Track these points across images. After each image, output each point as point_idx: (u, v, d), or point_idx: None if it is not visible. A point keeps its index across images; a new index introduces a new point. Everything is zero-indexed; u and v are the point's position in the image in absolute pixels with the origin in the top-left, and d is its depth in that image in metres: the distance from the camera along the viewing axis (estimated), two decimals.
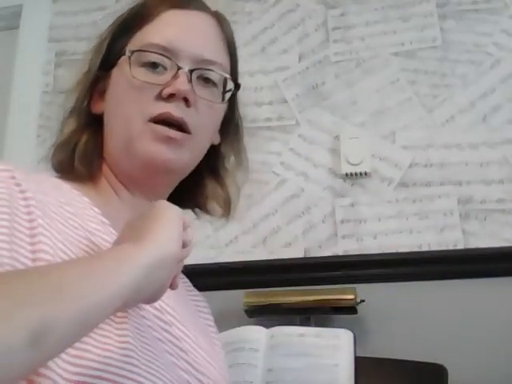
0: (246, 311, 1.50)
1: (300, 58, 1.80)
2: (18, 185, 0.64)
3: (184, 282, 0.95)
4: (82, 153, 0.79)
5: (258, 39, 1.84)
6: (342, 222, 1.62)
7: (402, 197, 1.61)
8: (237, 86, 0.86)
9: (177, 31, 0.79)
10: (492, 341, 1.41)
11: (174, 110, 0.76)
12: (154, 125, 0.75)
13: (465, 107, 1.65)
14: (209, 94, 0.80)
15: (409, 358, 1.32)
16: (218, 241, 1.68)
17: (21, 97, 1.95)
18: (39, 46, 2.01)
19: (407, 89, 1.70)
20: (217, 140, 0.87)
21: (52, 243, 0.61)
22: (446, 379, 1.28)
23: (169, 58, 0.77)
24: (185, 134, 0.76)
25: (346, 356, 1.31)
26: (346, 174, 1.64)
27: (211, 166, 0.87)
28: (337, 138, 1.69)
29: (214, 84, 0.81)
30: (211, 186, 0.89)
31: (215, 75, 0.81)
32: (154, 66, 0.78)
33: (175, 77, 0.76)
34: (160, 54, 0.77)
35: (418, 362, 1.31)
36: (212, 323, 0.94)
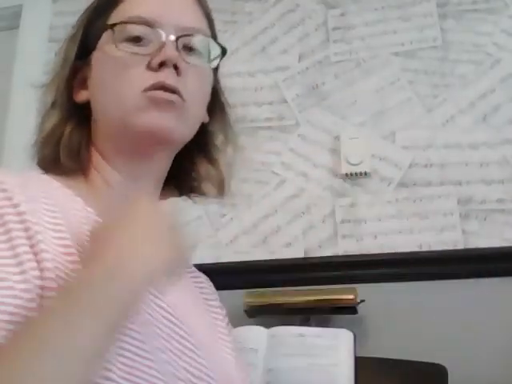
0: (245, 311, 1.50)
1: (300, 58, 1.80)
2: (9, 199, 0.62)
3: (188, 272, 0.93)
4: (67, 143, 0.77)
5: (258, 39, 1.84)
6: (342, 222, 1.62)
7: (402, 197, 1.61)
8: (223, 51, 0.83)
9: (155, 2, 0.78)
10: (492, 341, 1.41)
11: (167, 78, 0.74)
12: (152, 91, 0.74)
13: (465, 107, 1.65)
14: (197, 61, 0.79)
15: (409, 358, 1.32)
16: (218, 241, 1.68)
17: (21, 97, 1.95)
18: (39, 46, 2.01)
19: (407, 89, 1.70)
20: (206, 118, 0.85)
21: (52, 257, 0.61)
22: (446, 379, 1.28)
23: (152, 29, 0.76)
24: (179, 98, 0.75)
25: (346, 356, 1.31)
26: (346, 174, 1.64)
27: (201, 145, 0.86)
28: (337, 137, 1.69)
29: (200, 52, 0.80)
30: (203, 167, 0.87)
31: (200, 42, 0.80)
32: (137, 39, 0.76)
33: (162, 46, 0.75)
34: (143, 25, 0.76)
35: (418, 362, 1.31)
36: (221, 317, 0.92)
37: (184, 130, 0.77)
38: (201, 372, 0.72)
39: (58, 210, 0.67)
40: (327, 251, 1.60)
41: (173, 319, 0.72)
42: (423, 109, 1.67)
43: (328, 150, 1.69)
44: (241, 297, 1.49)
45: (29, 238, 0.61)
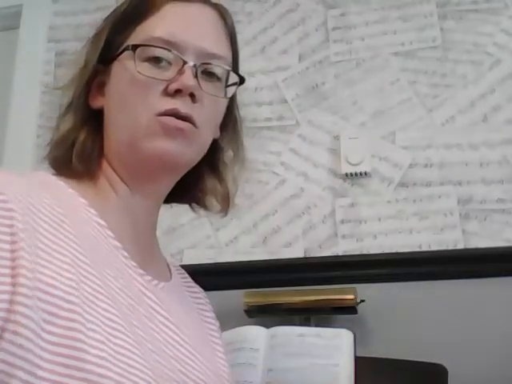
0: (246, 311, 1.50)
1: (300, 58, 1.80)
2: (9, 210, 0.60)
3: (183, 278, 0.94)
4: (80, 150, 0.78)
5: (258, 39, 1.84)
6: (342, 222, 1.62)
7: (402, 197, 1.61)
8: (241, 80, 0.84)
9: (180, 25, 0.78)
10: (492, 341, 1.41)
11: (181, 106, 0.75)
12: (162, 117, 0.74)
13: (465, 107, 1.65)
14: (213, 89, 0.79)
15: (409, 358, 1.32)
16: (218, 241, 1.68)
17: (21, 97, 1.95)
18: (39, 46, 2.01)
19: (407, 89, 1.70)
20: (217, 134, 0.86)
21: (31, 275, 0.58)
22: (446, 379, 1.28)
23: (173, 53, 0.76)
24: (192, 127, 0.75)
25: (346, 356, 1.31)
26: (346, 174, 1.64)
27: (210, 160, 0.86)
28: (337, 137, 1.69)
29: (218, 78, 0.80)
30: (210, 181, 0.87)
31: (219, 69, 0.80)
32: (157, 60, 0.76)
33: (180, 72, 0.75)
34: (164, 49, 0.76)
35: (418, 362, 1.31)
36: (215, 328, 0.93)
37: (192, 155, 0.78)
38: (198, 378, 0.73)
39: (63, 211, 0.67)
40: (327, 251, 1.60)
41: (170, 325, 0.73)
42: (423, 109, 1.67)
43: (328, 150, 1.69)
44: (241, 297, 1.49)
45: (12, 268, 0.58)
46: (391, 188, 1.62)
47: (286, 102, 1.77)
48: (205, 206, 0.90)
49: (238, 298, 1.49)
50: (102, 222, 0.72)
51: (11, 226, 0.59)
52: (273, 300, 1.49)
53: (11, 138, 1.91)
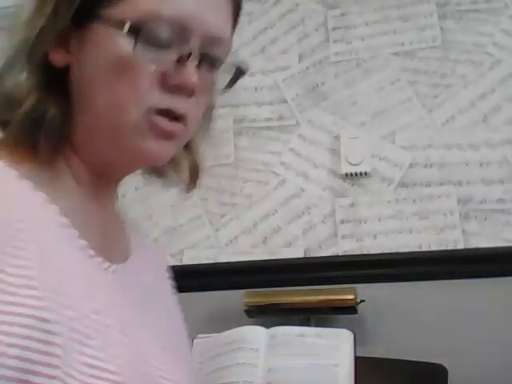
0: (246, 311, 1.50)
1: (300, 58, 1.80)
2: None
3: (139, 238, 0.83)
4: (49, 129, 0.64)
5: (258, 39, 1.84)
6: (342, 222, 1.62)
7: (402, 197, 1.61)
8: (242, 71, 0.72)
9: (190, 3, 0.65)
10: (492, 341, 1.41)
11: (178, 104, 0.65)
12: (156, 117, 0.64)
13: (465, 107, 1.65)
14: (211, 81, 0.69)
15: (409, 358, 1.32)
16: (218, 241, 1.68)
17: None
18: None
19: (407, 89, 1.70)
20: None
21: None
22: (446, 379, 1.29)
23: (178, 37, 0.64)
24: (181, 125, 0.67)
25: (346, 356, 1.31)
26: (346, 174, 1.64)
27: None
28: (337, 137, 1.69)
29: (216, 66, 0.69)
30: (180, 153, 0.75)
31: (221, 57, 0.69)
32: (157, 41, 0.63)
33: (182, 62, 0.64)
34: (169, 31, 0.63)
35: (418, 362, 1.31)
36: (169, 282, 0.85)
37: (176, 152, 0.70)
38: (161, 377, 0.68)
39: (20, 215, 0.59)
40: (327, 251, 1.60)
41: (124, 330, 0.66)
42: (423, 109, 1.67)
43: (328, 150, 1.69)
44: (241, 297, 1.49)
45: None
46: (391, 188, 1.62)
47: (285, 101, 1.77)
48: (160, 174, 0.78)
49: (238, 298, 1.49)
50: (65, 221, 0.64)
51: None
52: (273, 300, 1.49)
53: None
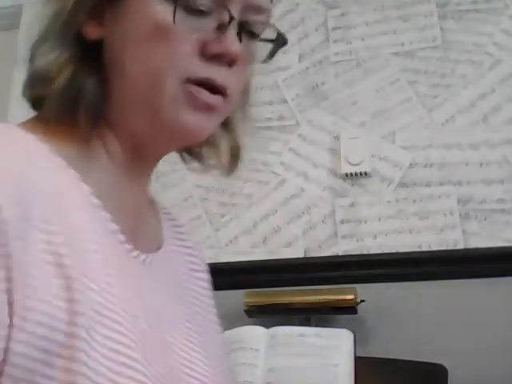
0: (246, 311, 1.50)
1: (300, 58, 1.80)
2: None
3: (175, 227, 0.80)
4: (89, 103, 0.62)
5: None
6: (342, 222, 1.62)
7: (402, 197, 1.61)
8: (283, 40, 0.69)
9: None
10: (492, 341, 1.41)
11: (218, 74, 0.62)
12: (194, 87, 0.61)
13: (465, 107, 1.65)
14: (250, 50, 0.66)
15: (409, 358, 1.32)
16: (218, 241, 1.68)
17: (21, 97, 1.95)
18: None
19: (407, 89, 1.70)
20: None
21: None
22: (446, 379, 1.29)
23: (218, 4, 0.61)
24: (221, 98, 0.63)
25: (346, 356, 1.31)
26: (346, 174, 1.64)
27: None
28: (337, 137, 1.69)
29: (257, 36, 0.66)
30: (218, 133, 0.71)
31: (262, 27, 0.66)
32: (196, 8, 0.61)
33: (223, 29, 0.61)
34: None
35: (418, 362, 1.31)
36: (206, 285, 0.82)
37: (215, 126, 0.66)
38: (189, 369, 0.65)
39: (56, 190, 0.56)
40: (327, 251, 1.60)
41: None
42: (423, 109, 1.67)
43: (328, 150, 1.69)
44: (241, 297, 1.49)
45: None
46: (391, 188, 1.62)
47: (285, 101, 1.77)
48: (200, 158, 0.74)
49: (238, 298, 1.49)
50: (97, 202, 0.61)
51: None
52: (273, 300, 1.49)
53: None
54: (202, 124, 0.62)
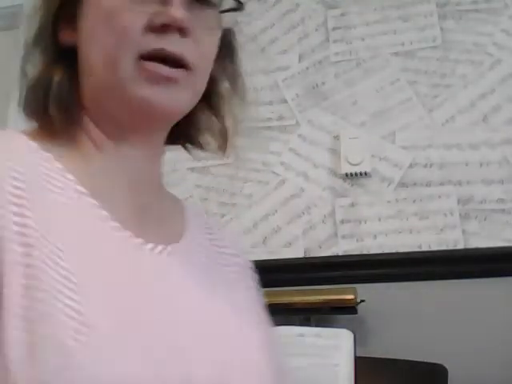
0: None
1: (300, 58, 1.80)
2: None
3: (203, 225, 0.79)
4: (56, 95, 0.65)
5: (258, 39, 1.84)
6: (342, 222, 1.62)
7: (402, 197, 1.61)
8: (239, 5, 0.70)
9: None
10: (492, 341, 1.41)
11: (169, 44, 0.62)
12: (147, 62, 0.62)
13: (465, 107, 1.65)
14: (207, 19, 0.66)
15: (409, 358, 1.32)
16: None
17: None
18: None
19: (407, 89, 1.70)
20: (214, 67, 0.72)
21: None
22: (446, 379, 1.29)
23: None
24: (184, 71, 0.63)
25: (346, 356, 1.31)
26: (346, 174, 1.64)
27: (205, 94, 0.72)
28: (337, 137, 1.69)
29: (211, 4, 0.67)
30: (204, 116, 0.74)
31: None
32: None
33: (167, 1, 0.62)
34: None
35: (418, 362, 1.31)
36: (238, 268, 0.81)
37: (188, 100, 0.66)
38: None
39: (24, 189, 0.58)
40: (327, 251, 1.60)
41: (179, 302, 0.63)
42: (423, 109, 1.67)
43: (328, 150, 1.69)
44: None
45: None
46: (391, 188, 1.62)
47: (285, 101, 1.77)
48: (200, 145, 0.76)
49: None
50: (83, 190, 0.62)
51: None
52: (272, 300, 1.48)
53: None
54: (163, 96, 0.63)
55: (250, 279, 0.83)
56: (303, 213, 1.65)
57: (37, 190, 0.58)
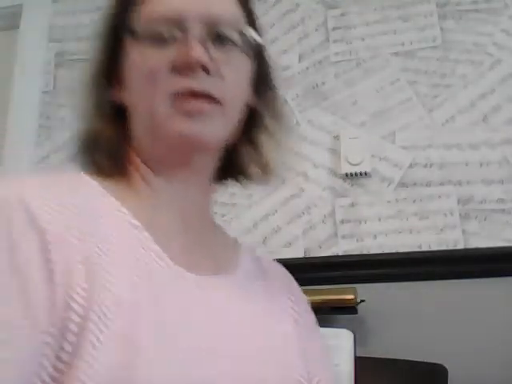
0: None
1: (300, 58, 1.80)
2: (32, 221, 0.57)
3: (255, 261, 0.83)
4: (106, 147, 0.72)
5: None
6: (342, 222, 1.62)
7: (402, 197, 1.61)
8: (260, 36, 0.76)
9: None
10: (492, 341, 1.41)
11: (195, 82, 0.68)
12: (179, 99, 0.68)
13: (465, 107, 1.65)
14: (229, 56, 0.71)
15: (409, 358, 1.32)
16: None
17: (21, 97, 1.95)
18: (39, 46, 2.01)
19: (407, 89, 1.70)
20: (253, 101, 0.77)
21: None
22: (446, 379, 1.28)
23: (174, 27, 0.69)
24: (213, 105, 0.68)
25: (346, 356, 1.31)
26: (346, 174, 1.64)
27: (247, 129, 0.77)
28: (337, 137, 1.69)
29: (233, 42, 0.72)
30: (244, 149, 0.78)
31: (231, 32, 0.72)
32: (162, 40, 0.69)
33: (185, 44, 0.68)
34: (165, 25, 0.69)
35: (418, 362, 1.31)
36: (289, 298, 0.85)
37: (222, 131, 0.71)
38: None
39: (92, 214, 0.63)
40: (327, 251, 1.60)
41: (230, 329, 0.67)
42: (423, 109, 1.67)
43: (328, 150, 1.69)
44: None
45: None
46: (391, 188, 1.62)
47: (285, 101, 1.77)
48: (250, 177, 0.80)
49: None
50: (137, 223, 0.66)
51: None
52: None
53: (11, 138, 1.91)
54: (197, 128, 0.68)
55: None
56: (303, 213, 1.65)
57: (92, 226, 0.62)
